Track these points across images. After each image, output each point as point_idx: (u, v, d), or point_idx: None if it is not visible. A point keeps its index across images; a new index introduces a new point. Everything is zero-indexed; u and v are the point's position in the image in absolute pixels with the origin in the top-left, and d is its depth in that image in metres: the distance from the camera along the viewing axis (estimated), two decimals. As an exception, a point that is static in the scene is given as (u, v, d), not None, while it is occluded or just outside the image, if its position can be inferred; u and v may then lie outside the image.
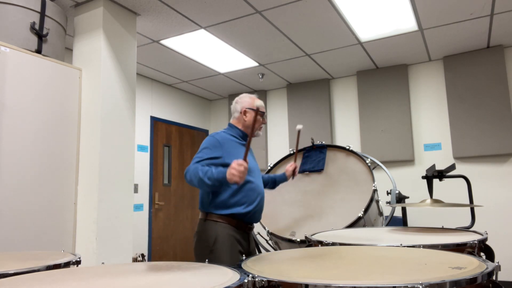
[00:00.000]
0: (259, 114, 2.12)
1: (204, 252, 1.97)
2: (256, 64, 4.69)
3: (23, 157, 2.54)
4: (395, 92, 4.83)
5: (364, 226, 2.66)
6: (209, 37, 3.91)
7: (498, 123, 4.23)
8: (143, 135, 5.01)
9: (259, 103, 2.02)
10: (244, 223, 2.04)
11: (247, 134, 2.16)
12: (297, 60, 4.62)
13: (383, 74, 4.91)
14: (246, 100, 2.17)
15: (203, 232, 2.00)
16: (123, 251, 2.98)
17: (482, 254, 1.64)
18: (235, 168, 1.76)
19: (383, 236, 1.86)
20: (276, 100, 5.76)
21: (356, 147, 5.08)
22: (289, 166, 2.49)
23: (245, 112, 2.14)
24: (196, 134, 6.00)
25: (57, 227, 2.72)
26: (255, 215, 2.07)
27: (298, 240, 2.51)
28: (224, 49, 4.22)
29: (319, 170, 3.14)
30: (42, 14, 2.77)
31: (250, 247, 2.12)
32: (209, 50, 4.26)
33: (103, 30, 3.02)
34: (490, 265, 1.08)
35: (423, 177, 2.65)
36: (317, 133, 5.23)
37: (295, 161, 2.56)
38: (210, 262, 1.35)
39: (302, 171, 3.18)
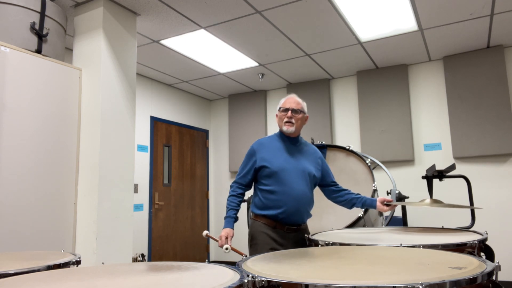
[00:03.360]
0: (282, 111, 2.23)
1: (248, 246, 2.22)
2: (256, 64, 4.69)
3: (23, 157, 2.54)
4: (395, 92, 4.83)
5: (364, 226, 2.66)
6: (209, 37, 3.91)
7: (498, 123, 4.23)
8: (143, 135, 5.01)
9: (282, 100, 2.24)
10: (280, 224, 2.14)
11: (283, 134, 2.27)
12: (297, 60, 4.62)
13: (383, 74, 4.91)
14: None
15: (250, 228, 2.25)
16: (123, 251, 2.98)
17: (482, 254, 1.64)
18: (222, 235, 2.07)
19: (383, 236, 1.86)
20: (276, 100, 5.76)
21: (356, 147, 5.08)
22: (384, 205, 2.17)
23: (276, 117, 2.30)
24: (196, 134, 5.99)
25: (57, 227, 2.72)
26: (289, 217, 2.13)
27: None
28: (224, 49, 4.22)
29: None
30: (42, 14, 2.77)
31: (294, 247, 2.12)
32: (209, 50, 4.26)
33: (103, 30, 3.02)
34: (490, 265, 1.08)
35: (423, 177, 2.65)
36: (317, 133, 5.23)
37: None
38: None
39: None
